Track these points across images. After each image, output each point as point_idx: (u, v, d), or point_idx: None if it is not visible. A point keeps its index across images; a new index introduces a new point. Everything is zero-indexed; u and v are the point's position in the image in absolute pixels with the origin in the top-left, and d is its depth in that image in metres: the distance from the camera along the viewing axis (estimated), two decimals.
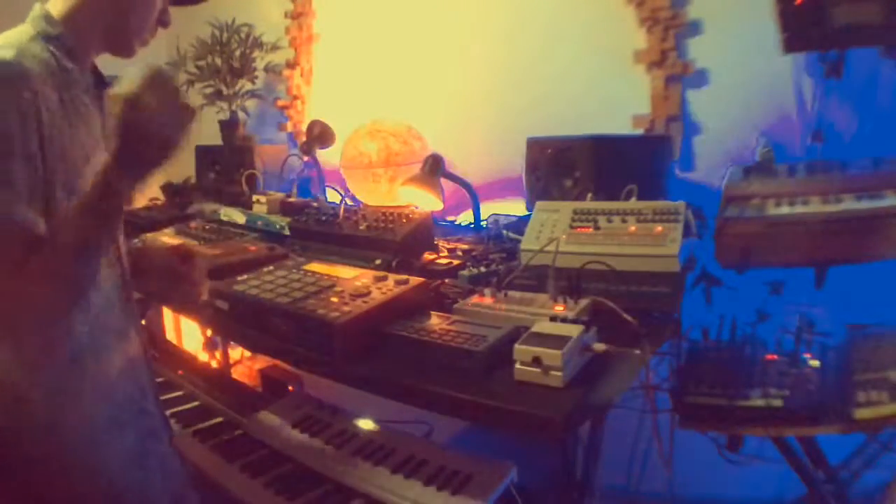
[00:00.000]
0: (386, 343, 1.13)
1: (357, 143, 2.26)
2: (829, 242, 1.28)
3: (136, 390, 1.19)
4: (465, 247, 1.79)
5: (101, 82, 1.17)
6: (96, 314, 1.09)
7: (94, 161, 1.06)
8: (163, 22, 1.17)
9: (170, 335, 2.62)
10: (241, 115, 2.82)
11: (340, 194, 2.22)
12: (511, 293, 1.28)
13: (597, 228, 1.43)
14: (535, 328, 1.03)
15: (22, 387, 1.01)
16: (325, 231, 1.84)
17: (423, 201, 1.95)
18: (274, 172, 2.44)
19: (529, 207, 1.82)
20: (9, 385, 1.01)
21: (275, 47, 2.80)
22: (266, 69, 2.86)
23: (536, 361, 0.95)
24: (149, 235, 2.10)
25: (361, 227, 1.76)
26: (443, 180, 2.02)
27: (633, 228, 1.39)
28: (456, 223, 2.22)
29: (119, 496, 1.11)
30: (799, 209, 1.33)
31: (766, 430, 1.18)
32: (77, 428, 1.06)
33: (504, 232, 1.86)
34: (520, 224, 1.79)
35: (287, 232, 1.94)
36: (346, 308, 1.15)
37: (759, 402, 1.17)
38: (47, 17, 1.06)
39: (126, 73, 0.93)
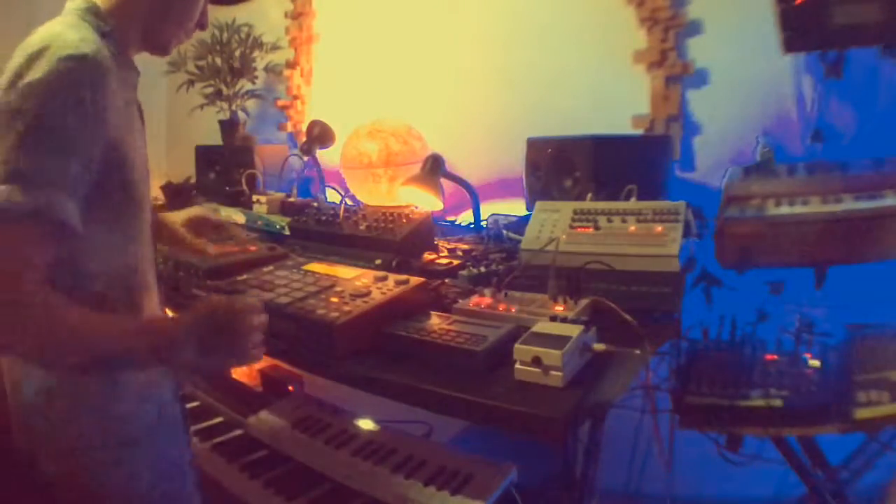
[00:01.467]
0: (386, 343, 1.13)
1: (357, 143, 2.26)
2: (829, 242, 1.28)
3: (170, 392, 1.14)
4: (465, 247, 1.79)
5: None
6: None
7: (143, 164, 1.05)
8: (202, 24, 1.13)
9: None
10: (241, 115, 2.82)
11: (340, 194, 2.22)
12: (511, 293, 1.28)
13: (597, 228, 1.43)
14: (535, 328, 1.03)
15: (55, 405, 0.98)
16: (325, 231, 1.84)
17: (423, 201, 1.95)
18: (274, 172, 2.44)
19: (529, 207, 1.82)
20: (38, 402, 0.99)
21: (275, 47, 2.81)
22: (266, 69, 2.86)
23: (536, 361, 0.95)
24: None
25: (361, 227, 1.76)
26: (443, 180, 2.02)
27: (633, 228, 1.39)
28: (456, 223, 2.22)
29: None
30: (799, 209, 1.33)
31: (766, 430, 1.18)
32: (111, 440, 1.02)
33: (504, 232, 1.86)
34: (520, 224, 1.79)
35: (287, 232, 1.94)
36: (346, 308, 1.16)
37: (759, 402, 1.17)
38: (95, 11, 0.99)
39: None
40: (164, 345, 0.93)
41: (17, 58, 0.87)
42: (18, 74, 0.85)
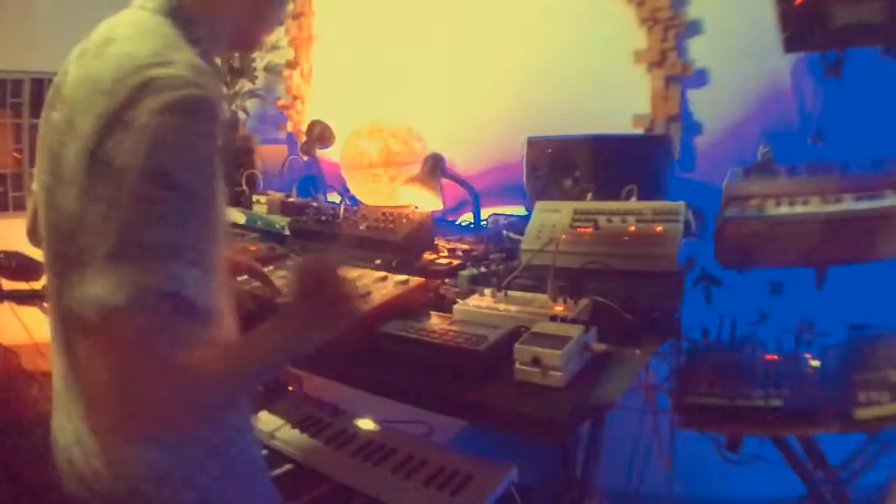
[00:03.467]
0: (386, 343, 1.13)
1: (357, 143, 2.26)
2: (829, 242, 1.28)
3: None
4: (465, 247, 1.79)
5: None
6: None
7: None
8: (281, 19, 1.06)
9: None
10: (241, 115, 2.82)
11: (340, 194, 2.22)
12: (511, 293, 1.28)
13: (597, 228, 1.43)
14: (535, 328, 1.03)
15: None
16: (325, 231, 1.84)
17: (423, 201, 1.95)
18: (274, 172, 2.44)
19: (529, 207, 1.82)
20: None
21: (275, 47, 2.81)
22: (266, 69, 2.86)
23: (536, 361, 0.95)
24: None
25: (361, 227, 1.76)
26: (443, 180, 2.02)
27: (633, 228, 1.39)
28: (456, 223, 2.22)
29: None
30: (799, 209, 1.33)
31: (766, 430, 1.18)
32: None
33: (504, 232, 1.86)
34: (520, 224, 1.79)
35: (287, 232, 1.94)
36: None
37: (759, 402, 1.17)
38: (182, 10, 0.82)
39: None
40: (299, 330, 0.86)
41: (108, 81, 0.72)
42: (122, 115, 0.70)
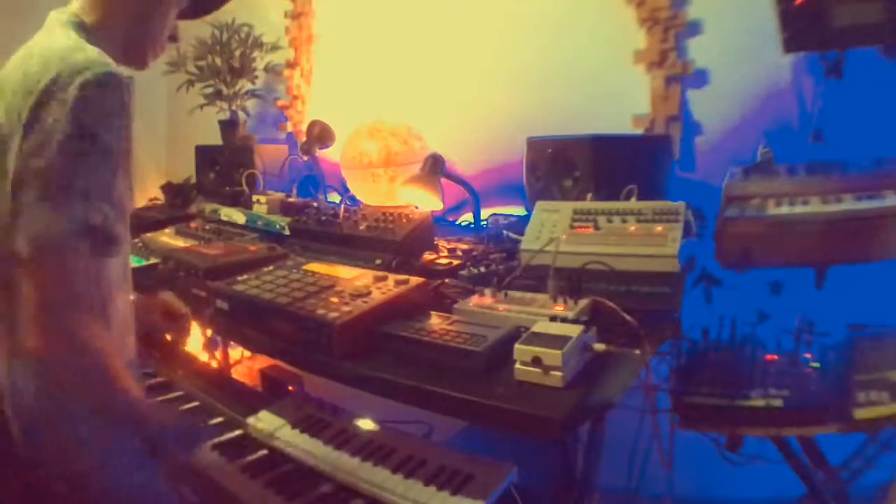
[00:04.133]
0: (386, 343, 1.13)
1: (357, 143, 2.26)
2: (829, 242, 1.28)
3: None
4: (465, 247, 1.79)
5: None
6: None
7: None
8: (173, 37, 1.17)
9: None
10: (241, 115, 2.82)
11: (340, 194, 2.22)
12: (511, 293, 1.28)
13: (597, 228, 1.43)
14: (535, 328, 1.03)
15: None
16: (325, 231, 1.84)
17: (423, 201, 1.95)
18: (274, 172, 2.44)
19: (529, 207, 1.82)
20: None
21: (275, 47, 2.81)
22: (266, 69, 2.86)
23: (536, 361, 0.95)
24: (149, 235, 2.10)
25: (361, 227, 1.76)
26: (443, 180, 2.02)
27: (633, 228, 1.39)
28: (456, 223, 2.22)
29: None
30: (799, 209, 1.33)
31: (766, 430, 1.18)
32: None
33: (504, 232, 1.86)
34: (520, 224, 1.79)
35: (287, 232, 1.94)
36: (346, 308, 1.16)
37: (759, 402, 1.17)
38: (83, 26, 1.01)
39: None
40: (162, 431, 1.00)
41: (37, 76, 0.87)
42: (54, 94, 0.86)
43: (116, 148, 0.89)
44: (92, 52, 0.94)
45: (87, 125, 0.86)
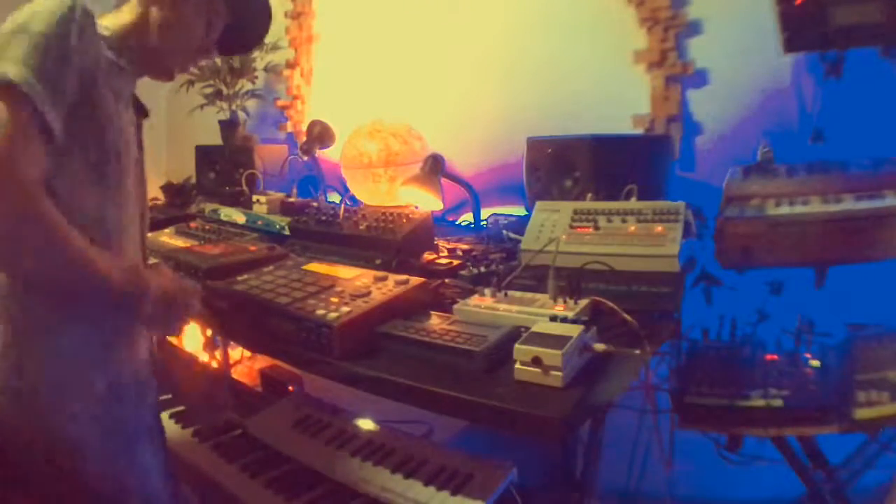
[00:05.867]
0: (386, 343, 1.13)
1: (357, 143, 2.26)
2: (829, 242, 1.28)
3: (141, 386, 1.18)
4: (465, 247, 1.79)
5: (140, 111, 1.23)
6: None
7: (124, 164, 1.09)
8: (205, 52, 1.23)
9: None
10: (241, 115, 2.82)
11: (340, 194, 2.22)
12: (511, 293, 1.28)
13: (597, 228, 1.43)
14: (535, 328, 1.03)
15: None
16: (325, 231, 1.84)
17: (423, 201, 1.95)
18: (274, 172, 2.44)
19: (529, 207, 1.82)
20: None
21: (275, 47, 2.80)
22: (266, 69, 2.85)
23: (536, 361, 0.95)
24: (149, 235, 2.10)
25: (361, 227, 1.76)
26: (443, 180, 2.02)
27: (633, 228, 1.39)
28: (456, 223, 2.22)
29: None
30: (799, 209, 1.33)
31: (766, 430, 1.18)
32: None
33: (504, 232, 1.86)
34: (520, 224, 1.79)
35: (287, 232, 1.94)
36: (345, 308, 1.16)
37: (759, 402, 1.17)
38: (101, 26, 1.07)
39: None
40: (136, 292, 1.01)
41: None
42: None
43: (48, 35, 0.93)
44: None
45: (32, 21, 0.93)
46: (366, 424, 1.52)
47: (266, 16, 1.39)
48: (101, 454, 1.06)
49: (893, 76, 1.54)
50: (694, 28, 1.92)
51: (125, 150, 1.10)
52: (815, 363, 1.26)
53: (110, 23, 1.11)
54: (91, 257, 0.95)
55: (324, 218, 1.88)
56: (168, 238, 2.05)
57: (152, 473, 1.16)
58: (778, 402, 1.16)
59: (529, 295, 1.27)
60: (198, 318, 1.21)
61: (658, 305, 1.23)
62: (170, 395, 1.56)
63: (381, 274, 1.32)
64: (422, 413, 1.10)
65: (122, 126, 1.09)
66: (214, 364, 2.44)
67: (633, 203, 1.49)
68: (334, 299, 1.21)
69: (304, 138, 2.39)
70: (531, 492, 1.24)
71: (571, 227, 1.46)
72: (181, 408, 1.73)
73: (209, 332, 2.46)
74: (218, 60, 2.75)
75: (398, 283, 1.27)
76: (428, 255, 1.67)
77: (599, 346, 1.02)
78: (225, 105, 2.77)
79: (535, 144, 1.85)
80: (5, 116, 0.88)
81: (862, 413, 1.11)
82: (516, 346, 0.98)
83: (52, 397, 1.01)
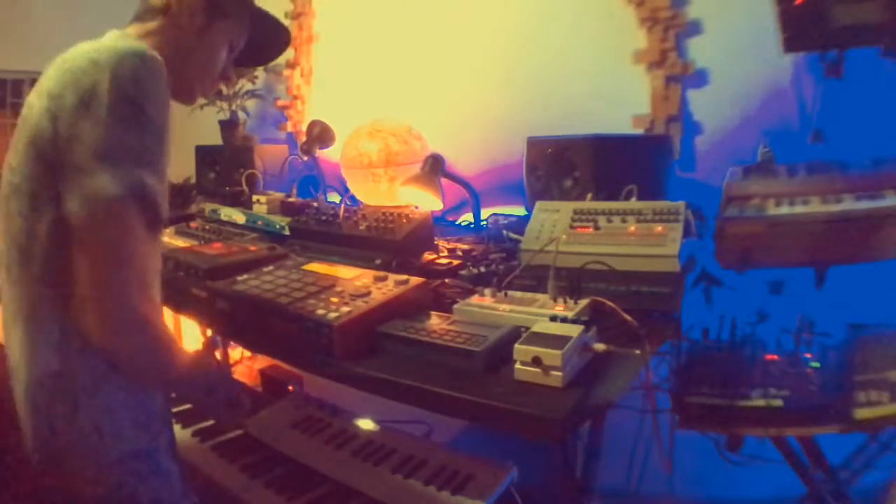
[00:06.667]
0: (386, 343, 1.13)
1: (357, 143, 2.26)
2: (829, 242, 1.28)
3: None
4: (465, 247, 1.79)
5: None
6: None
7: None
8: (226, 77, 1.24)
9: None
10: (241, 115, 2.82)
11: (340, 194, 2.22)
12: (511, 293, 1.28)
13: (597, 228, 1.43)
14: (535, 328, 1.03)
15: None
16: (325, 231, 1.84)
17: (423, 201, 1.95)
18: (274, 172, 2.44)
19: (529, 207, 1.82)
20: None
21: None
22: (266, 69, 2.85)
23: (536, 361, 0.95)
24: None
25: (361, 227, 1.76)
26: (443, 180, 2.02)
27: (633, 228, 1.39)
28: (456, 223, 2.22)
29: None
30: (799, 209, 1.33)
31: (766, 430, 1.18)
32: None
33: (504, 232, 1.86)
34: (520, 224, 1.79)
35: (287, 232, 1.94)
36: (346, 308, 1.16)
37: (759, 402, 1.17)
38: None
39: None
40: (199, 383, 1.11)
41: (87, 68, 0.92)
42: (102, 70, 0.90)
43: (160, 121, 0.93)
44: (136, 43, 0.98)
45: (132, 94, 0.90)
46: (366, 424, 1.52)
47: (282, 30, 1.38)
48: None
49: (893, 76, 1.54)
50: (694, 28, 1.92)
51: None
52: (815, 363, 1.26)
53: (152, 45, 1.07)
54: (180, 361, 1.02)
55: (324, 218, 1.88)
56: (168, 238, 2.05)
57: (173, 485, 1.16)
58: (778, 402, 1.16)
59: (529, 295, 1.27)
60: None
61: (658, 305, 1.23)
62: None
63: (381, 274, 1.32)
64: (422, 413, 1.10)
65: None
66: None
67: (633, 203, 1.48)
68: (334, 299, 1.21)
69: (304, 138, 2.39)
70: (531, 492, 1.24)
71: (571, 227, 1.46)
72: (180, 407, 1.74)
73: (209, 332, 2.46)
74: None
75: (398, 283, 1.27)
76: (428, 255, 1.67)
77: (599, 346, 1.02)
78: (225, 105, 2.77)
79: (535, 144, 1.85)
80: (130, 232, 0.89)
81: (862, 413, 1.11)
82: (516, 346, 0.98)
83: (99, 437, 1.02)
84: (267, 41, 1.34)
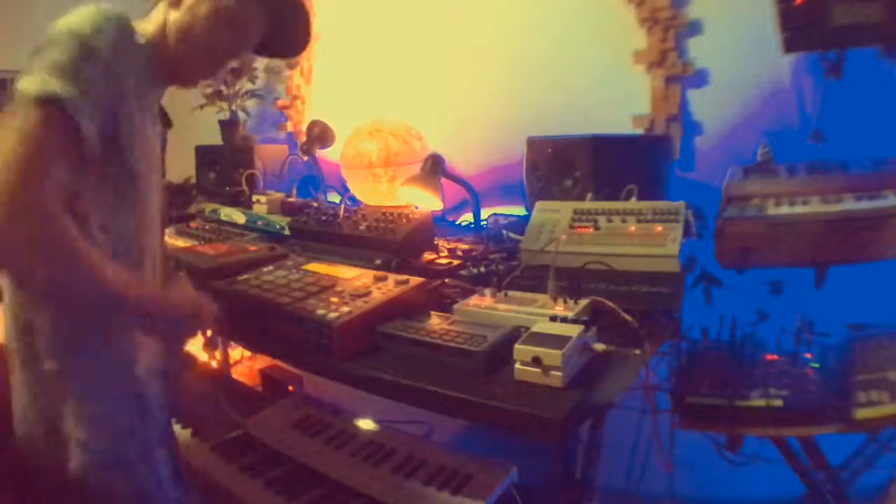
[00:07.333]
0: (386, 343, 1.13)
1: (357, 143, 2.26)
2: (829, 242, 1.28)
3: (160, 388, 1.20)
4: (465, 247, 1.79)
5: (165, 121, 1.23)
6: None
7: (147, 180, 1.10)
8: (236, 71, 1.24)
9: None
10: (241, 115, 2.81)
11: (340, 194, 2.22)
12: (511, 293, 1.28)
13: (597, 228, 1.43)
14: (535, 328, 1.03)
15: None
16: (325, 231, 1.84)
17: (423, 201, 1.95)
18: (274, 172, 2.44)
19: (529, 207, 1.82)
20: None
21: None
22: (266, 69, 2.85)
23: (536, 361, 0.95)
24: None
25: (361, 227, 1.76)
26: (443, 180, 2.02)
27: (633, 228, 1.39)
28: (456, 223, 2.22)
29: None
30: (799, 209, 1.33)
31: (766, 430, 1.18)
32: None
33: (504, 232, 1.86)
34: (520, 224, 1.79)
35: (287, 232, 1.94)
36: (345, 308, 1.16)
37: (759, 402, 1.17)
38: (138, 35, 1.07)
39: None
40: (153, 308, 1.03)
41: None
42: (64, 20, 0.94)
43: (105, 57, 0.95)
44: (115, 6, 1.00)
45: (84, 33, 0.94)
46: (366, 424, 1.52)
47: (305, 18, 1.30)
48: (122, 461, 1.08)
49: (893, 76, 1.54)
50: (694, 28, 1.92)
51: (148, 166, 1.10)
52: (815, 363, 1.26)
53: (143, 30, 1.10)
54: (105, 276, 0.94)
55: (324, 218, 1.88)
56: (168, 238, 2.05)
57: (165, 480, 1.16)
58: (778, 402, 1.16)
59: (529, 295, 1.27)
60: (210, 330, 1.21)
61: (658, 305, 1.23)
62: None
63: (381, 274, 1.32)
64: (422, 413, 1.10)
65: (146, 142, 1.09)
66: (214, 364, 2.44)
67: (633, 203, 1.49)
68: (334, 299, 1.21)
69: (304, 138, 2.39)
70: (531, 492, 1.24)
71: (571, 227, 1.46)
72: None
73: (209, 332, 2.46)
74: None
75: (398, 283, 1.27)
76: (428, 255, 1.67)
77: (599, 346, 1.02)
78: (225, 105, 2.77)
79: (535, 144, 1.85)
80: (38, 128, 0.88)
81: (862, 413, 1.11)
82: (516, 346, 0.98)
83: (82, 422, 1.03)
84: (288, 25, 1.26)
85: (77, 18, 0.95)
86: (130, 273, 1.06)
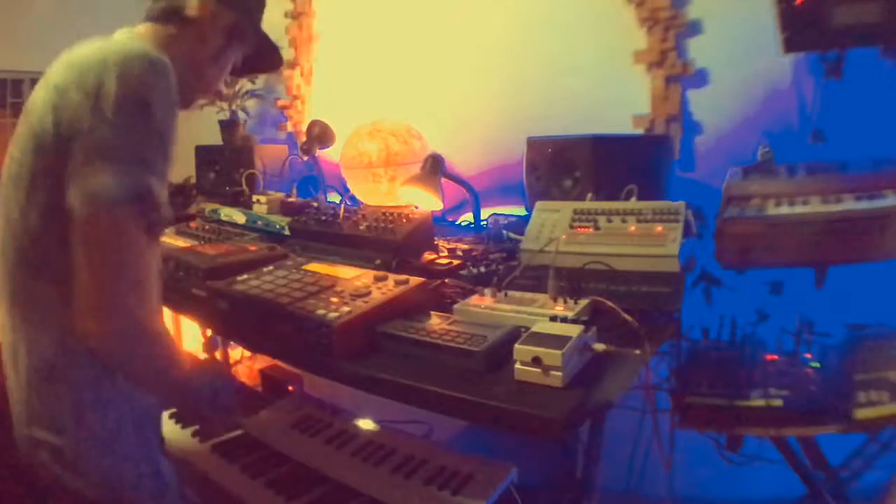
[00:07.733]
0: (386, 343, 1.13)
1: (357, 143, 2.26)
2: (829, 242, 1.28)
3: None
4: (465, 247, 1.79)
5: None
6: None
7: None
8: (219, 93, 1.26)
9: None
10: (241, 115, 2.82)
11: (340, 194, 2.22)
12: (511, 293, 1.28)
13: (597, 228, 1.43)
14: (535, 328, 1.03)
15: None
16: (325, 231, 1.84)
17: (423, 201, 1.95)
18: (274, 172, 2.44)
19: (529, 207, 1.82)
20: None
21: None
22: None
23: (536, 361, 0.95)
24: None
25: (361, 227, 1.76)
26: (443, 180, 2.02)
27: (633, 228, 1.39)
28: (456, 223, 2.22)
29: None
30: (799, 209, 1.33)
31: (766, 430, 1.18)
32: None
33: (504, 232, 1.86)
34: (520, 224, 1.79)
35: (287, 232, 1.94)
36: (345, 308, 1.16)
37: (759, 402, 1.17)
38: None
39: None
40: (203, 392, 1.09)
41: (94, 65, 0.92)
42: (110, 71, 0.90)
43: (165, 125, 0.93)
44: (146, 45, 0.99)
45: (139, 96, 0.90)
46: (366, 424, 1.52)
47: (277, 54, 1.35)
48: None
49: (893, 76, 1.54)
50: (694, 28, 1.92)
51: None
52: (815, 363, 1.26)
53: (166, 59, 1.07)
54: (184, 375, 1.01)
55: (324, 218, 1.88)
56: (168, 238, 2.05)
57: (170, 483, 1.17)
58: (778, 402, 1.16)
59: (529, 295, 1.27)
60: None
61: (658, 305, 1.23)
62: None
63: (381, 274, 1.32)
64: (422, 413, 1.10)
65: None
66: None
67: (633, 203, 1.48)
68: (334, 299, 1.21)
69: (304, 138, 2.39)
70: (531, 492, 1.24)
71: (571, 227, 1.46)
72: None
73: (209, 332, 2.47)
74: None
75: (398, 283, 1.27)
76: (428, 255, 1.67)
77: (599, 346, 1.02)
78: (225, 105, 2.77)
79: (535, 144, 1.85)
80: (132, 232, 0.89)
81: (862, 413, 1.11)
82: (516, 346, 0.98)
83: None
84: (260, 60, 1.32)
85: (128, 69, 0.91)
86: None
